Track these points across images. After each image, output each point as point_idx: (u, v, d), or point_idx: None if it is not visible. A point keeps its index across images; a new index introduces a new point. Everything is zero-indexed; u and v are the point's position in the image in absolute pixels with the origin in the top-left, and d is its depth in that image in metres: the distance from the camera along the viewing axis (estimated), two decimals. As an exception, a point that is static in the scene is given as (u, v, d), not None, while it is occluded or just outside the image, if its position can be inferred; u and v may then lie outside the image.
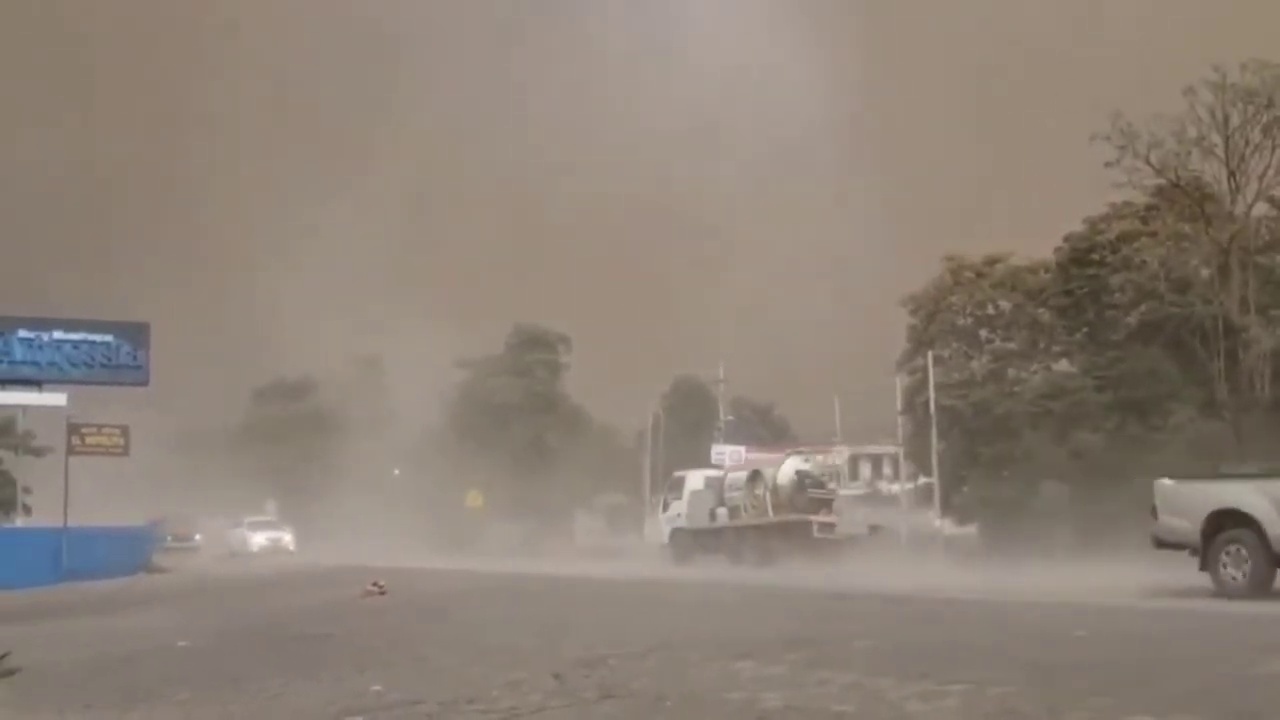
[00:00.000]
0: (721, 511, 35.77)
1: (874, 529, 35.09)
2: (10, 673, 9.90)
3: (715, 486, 37.09)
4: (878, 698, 8.16)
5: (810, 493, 34.28)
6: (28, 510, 36.47)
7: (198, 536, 55.32)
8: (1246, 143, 30.62)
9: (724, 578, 26.15)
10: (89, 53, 78.87)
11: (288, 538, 53.74)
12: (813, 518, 32.98)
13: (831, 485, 38.18)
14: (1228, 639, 11.38)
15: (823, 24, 66.72)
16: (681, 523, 37.12)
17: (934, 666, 9.33)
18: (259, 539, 53.20)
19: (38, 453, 35.69)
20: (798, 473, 35.01)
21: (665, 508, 38.90)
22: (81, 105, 78.46)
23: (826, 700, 8.16)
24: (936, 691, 8.25)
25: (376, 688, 9.62)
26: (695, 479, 38.36)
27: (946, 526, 40.33)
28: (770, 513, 33.87)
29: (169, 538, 52.56)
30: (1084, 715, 7.30)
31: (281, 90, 79.83)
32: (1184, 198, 32.21)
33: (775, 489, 34.31)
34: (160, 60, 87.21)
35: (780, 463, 35.98)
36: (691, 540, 36.06)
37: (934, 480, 39.90)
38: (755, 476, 35.59)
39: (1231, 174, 31.10)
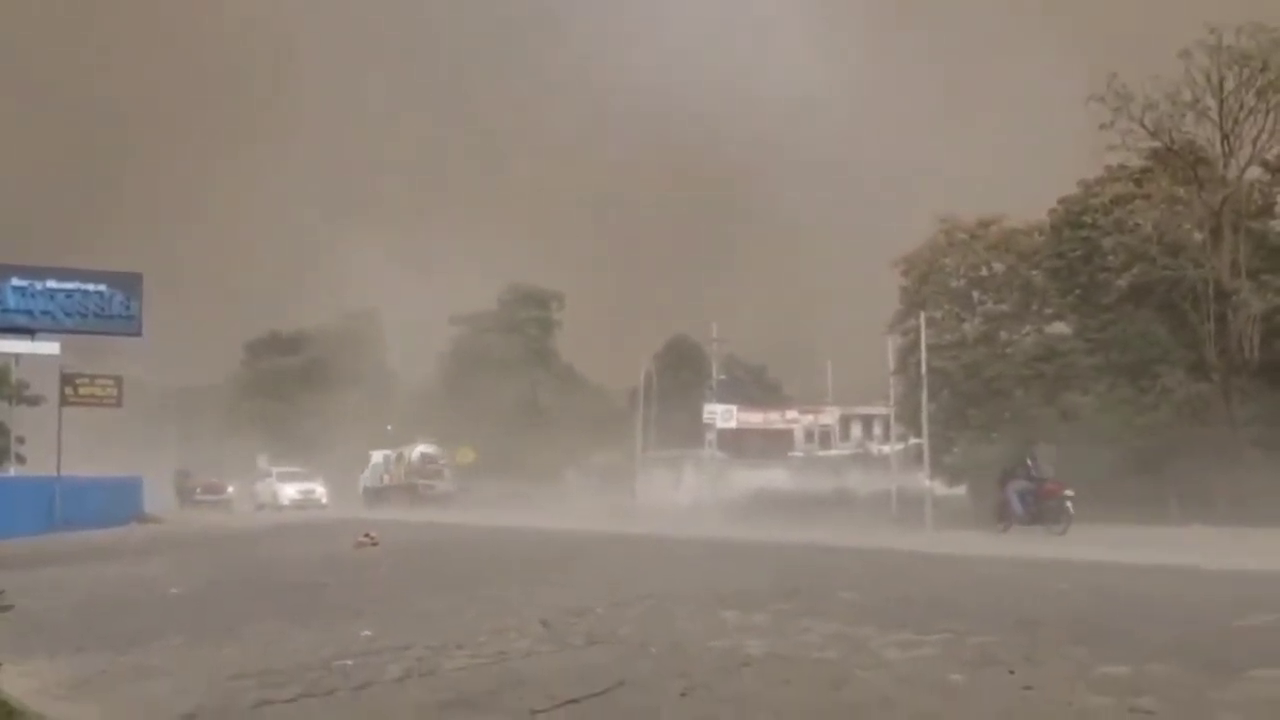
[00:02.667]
0: (385, 477, 55.37)
1: (461, 489, 52.35)
2: (3, 609, 10.00)
3: (385, 461, 56.32)
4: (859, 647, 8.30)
5: (427, 466, 52.94)
6: (21, 460, 36.50)
7: (230, 489, 53.45)
8: (1241, 106, 30.49)
9: (402, 517, 35.48)
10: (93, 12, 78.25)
11: (320, 490, 51.14)
12: (421, 481, 52.02)
13: (443, 462, 54.29)
14: (1208, 594, 11.54)
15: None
16: (367, 483, 56.82)
17: (914, 618, 9.49)
18: (290, 491, 50.39)
19: (31, 402, 35.70)
20: (421, 454, 53.65)
21: (363, 474, 57.53)
22: (82, 57, 78.00)
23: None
24: (916, 640, 8.39)
25: (366, 633, 9.76)
26: (376, 456, 57.35)
27: (936, 487, 40.48)
28: (403, 478, 53.09)
29: (197, 490, 52.50)
30: (1061, 664, 7.43)
31: (285, 46, 79.38)
32: (1178, 161, 32.13)
33: (407, 463, 53.41)
34: (163, 15, 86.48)
35: (414, 446, 54.03)
36: (373, 495, 54.92)
37: (924, 441, 40.00)
38: (399, 455, 54.91)
39: (1225, 137, 30.99)
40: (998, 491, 28.96)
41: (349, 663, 8.42)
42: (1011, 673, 7.08)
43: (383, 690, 7.51)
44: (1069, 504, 26.33)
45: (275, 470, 52.81)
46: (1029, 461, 28.58)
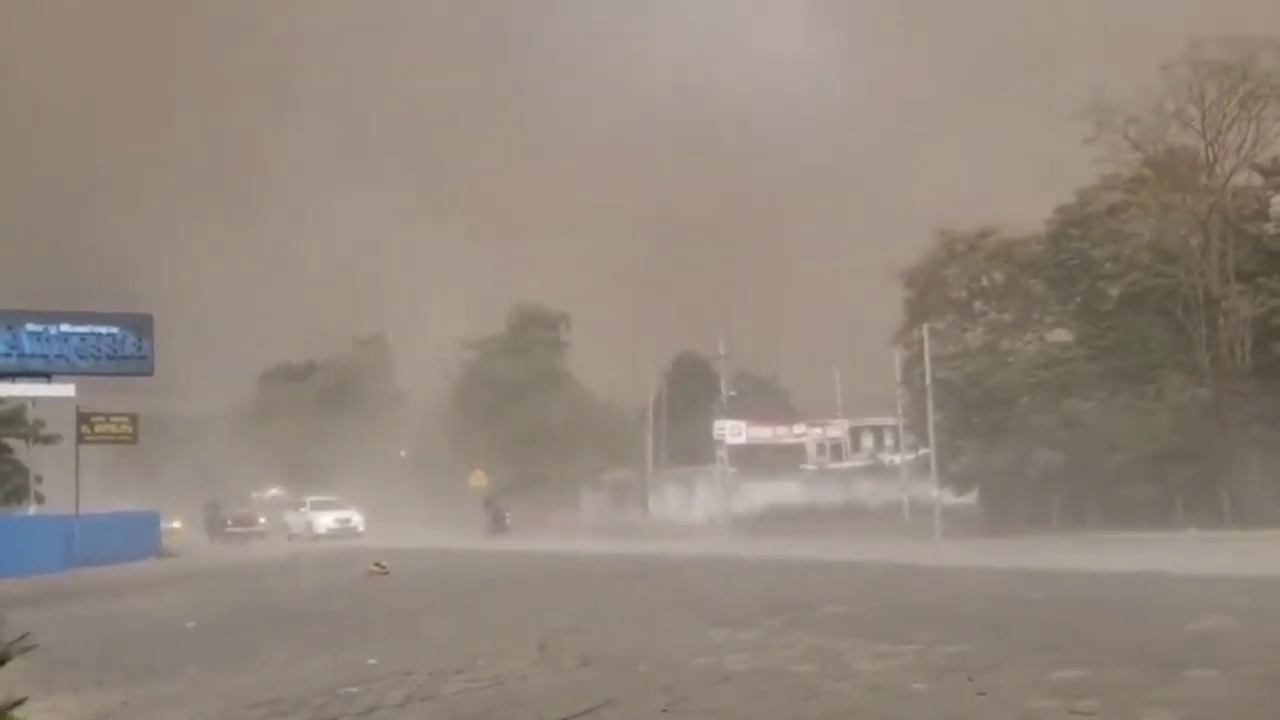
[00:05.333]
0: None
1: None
2: (26, 650, 10.45)
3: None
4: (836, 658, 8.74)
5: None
6: (40, 499, 37.01)
7: (262, 520, 52.46)
8: (1223, 115, 30.95)
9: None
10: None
11: (357, 518, 49.60)
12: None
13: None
14: (1173, 599, 11.97)
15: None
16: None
17: (893, 629, 9.93)
18: (326, 521, 49.07)
19: (48, 441, 36.25)
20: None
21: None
22: (89, 84, 78.84)
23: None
24: (890, 651, 8.83)
25: (372, 661, 10.20)
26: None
27: (945, 496, 40.80)
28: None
29: (228, 522, 51.28)
30: (1024, 668, 7.88)
31: (284, 69, 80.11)
32: (1167, 169, 32.57)
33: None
34: (171, 31, 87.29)
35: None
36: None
37: (930, 451, 40.34)
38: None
39: (1209, 146, 31.46)
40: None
41: (354, 690, 8.87)
42: (970, 679, 7.52)
43: (385, 715, 7.95)
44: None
45: (309, 500, 51.79)
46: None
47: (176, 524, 51.68)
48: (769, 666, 8.63)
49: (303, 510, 51.03)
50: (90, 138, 78.24)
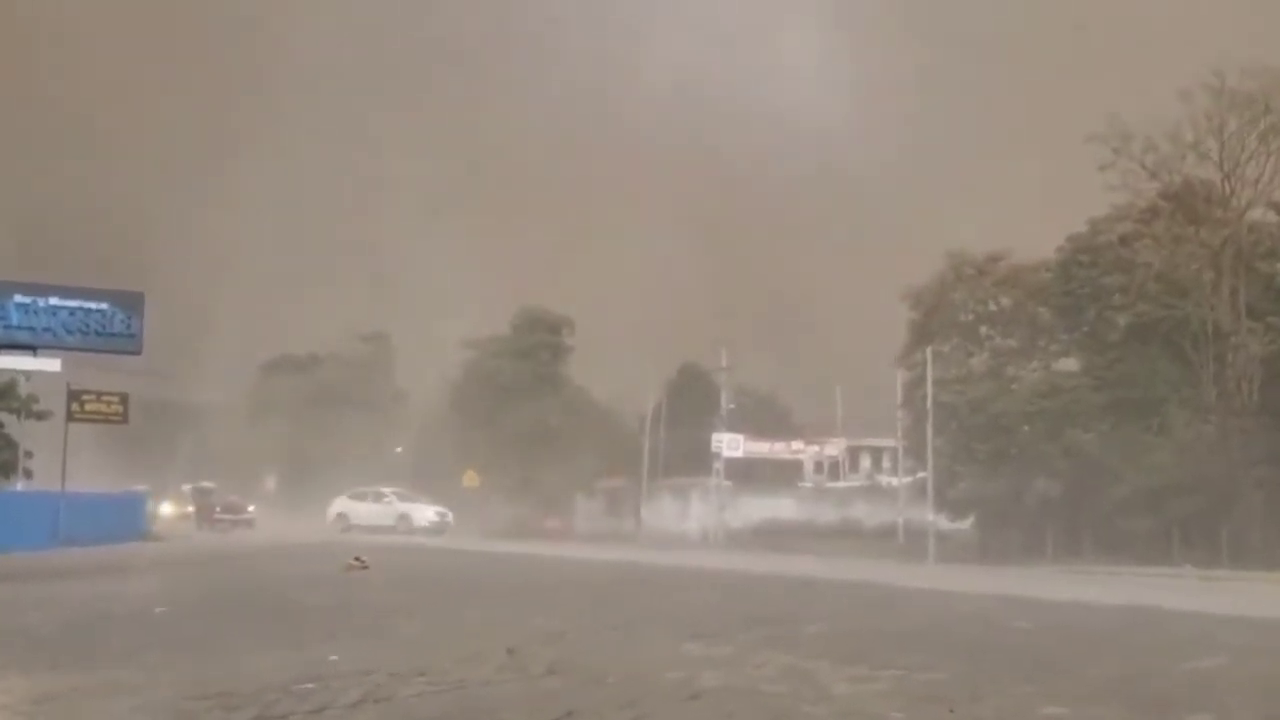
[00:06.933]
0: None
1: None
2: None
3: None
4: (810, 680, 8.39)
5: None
6: (29, 474, 36.80)
7: (251, 509, 50.94)
8: (1242, 148, 30.62)
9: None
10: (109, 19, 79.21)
11: (450, 515, 47.48)
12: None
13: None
14: (1166, 636, 11.61)
15: (830, 22, 66.76)
16: None
17: (873, 652, 9.57)
18: (427, 514, 46.57)
19: (40, 416, 36.04)
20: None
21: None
22: (96, 68, 78.90)
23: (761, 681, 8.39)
24: (868, 676, 8.48)
25: (333, 657, 9.86)
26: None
27: (941, 521, 40.51)
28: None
29: (217, 509, 50.07)
30: (1002, 701, 7.52)
31: (300, 54, 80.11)
32: (1181, 201, 32.25)
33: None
34: (180, 28, 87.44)
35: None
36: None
37: (928, 475, 40.07)
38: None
39: (1226, 178, 31.14)
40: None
41: (309, 686, 8.53)
42: (951, 711, 7.17)
43: (336, 715, 7.60)
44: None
45: (388, 490, 49.22)
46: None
47: (168, 508, 51.17)
48: (741, 685, 8.29)
49: (386, 501, 48.15)
50: (99, 119, 78.18)
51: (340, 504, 48.81)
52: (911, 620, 13.05)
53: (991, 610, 14.26)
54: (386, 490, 49.08)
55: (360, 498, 48.70)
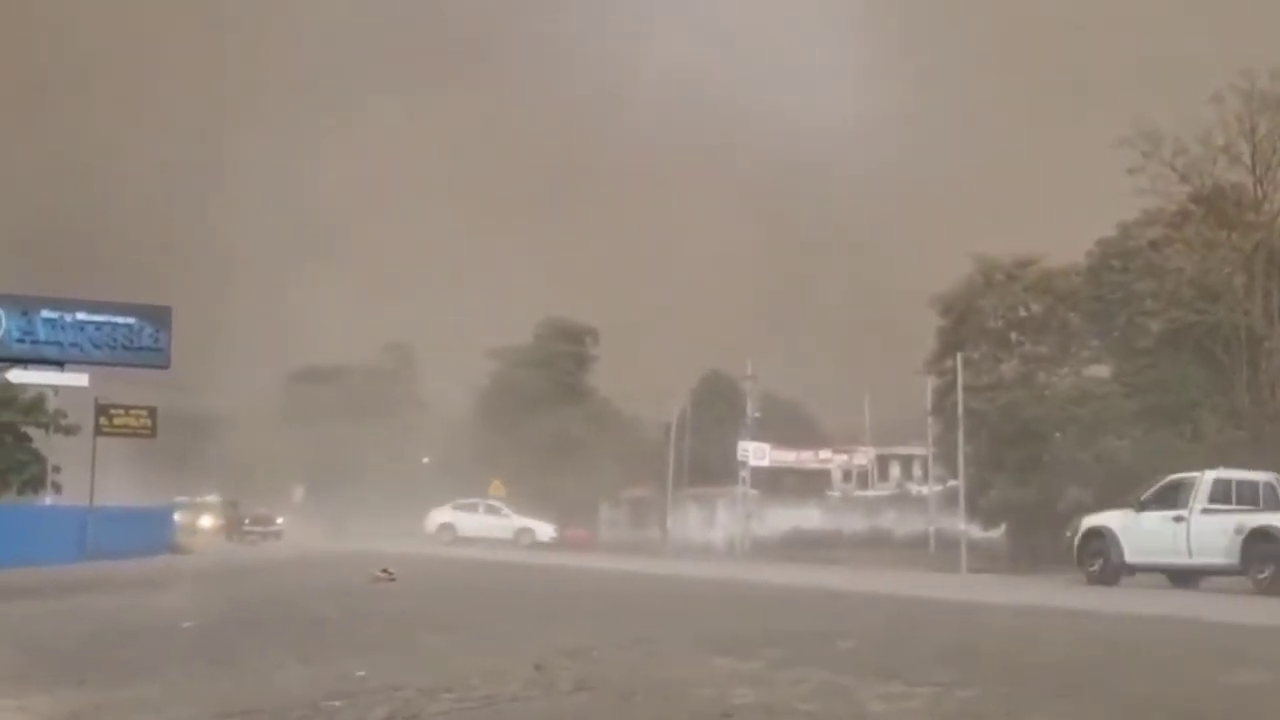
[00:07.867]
0: None
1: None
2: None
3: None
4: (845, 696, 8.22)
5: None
6: (58, 489, 36.97)
7: (279, 520, 51.70)
8: (1274, 151, 30.28)
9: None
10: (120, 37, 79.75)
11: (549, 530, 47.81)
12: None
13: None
14: (1204, 648, 11.37)
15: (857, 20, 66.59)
16: None
17: (909, 667, 9.38)
18: (547, 530, 47.22)
19: (68, 431, 36.20)
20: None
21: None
22: (116, 80, 79.44)
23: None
24: (905, 693, 8.29)
25: (361, 673, 9.75)
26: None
27: (972, 530, 40.10)
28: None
29: (245, 521, 50.94)
30: (1045, 718, 7.33)
31: (314, 74, 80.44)
32: (1212, 205, 31.91)
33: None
34: (192, 40, 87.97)
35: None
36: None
37: (959, 483, 39.69)
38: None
39: (1258, 181, 30.79)
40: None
41: (336, 703, 8.42)
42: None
43: (363, 733, 7.51)
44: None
45: (497, 502, 49.49)
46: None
47: (207, 520, 51.28)
48: (773, 702, 8.11)
49: (503, 514, 48.22)
50: (120, 134, 78.72)
51: (444, 514, 48.42)
52: (946, 633, 12.83)
53: (1028, 623, 14.04)
54: (497, 503, 49.27)
55: (470, 509, 48.52)
